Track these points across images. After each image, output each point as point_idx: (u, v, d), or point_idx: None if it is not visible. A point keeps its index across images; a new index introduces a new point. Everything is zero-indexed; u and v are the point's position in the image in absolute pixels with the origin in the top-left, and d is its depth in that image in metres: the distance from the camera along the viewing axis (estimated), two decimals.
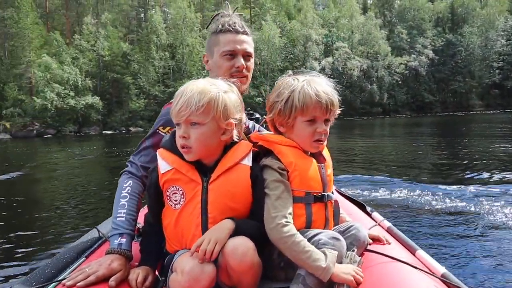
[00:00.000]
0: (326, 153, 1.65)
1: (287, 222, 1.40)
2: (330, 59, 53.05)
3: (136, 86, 43.20)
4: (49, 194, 7.48)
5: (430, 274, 1.39)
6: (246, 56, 1.91)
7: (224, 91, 1.45)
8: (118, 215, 1.63)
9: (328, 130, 1.55)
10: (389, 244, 1.68)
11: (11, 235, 4.46)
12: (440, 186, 5.77)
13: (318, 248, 1.36)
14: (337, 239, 1.41)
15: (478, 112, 56.37)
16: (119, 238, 1.57)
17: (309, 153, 1.60)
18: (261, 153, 1.58)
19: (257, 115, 2.08)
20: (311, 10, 57.50)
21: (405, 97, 62.21)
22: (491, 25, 65.09)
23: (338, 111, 1.56)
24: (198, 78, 1.55)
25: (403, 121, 39.43)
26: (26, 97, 36.64)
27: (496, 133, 16.98)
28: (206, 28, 1.91)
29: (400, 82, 61.15)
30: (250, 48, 1.92)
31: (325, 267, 1.32)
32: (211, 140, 1.45)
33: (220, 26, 1.88)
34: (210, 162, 1.49)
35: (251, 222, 1.46)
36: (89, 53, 42.46)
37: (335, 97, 1.51)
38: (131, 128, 40.40)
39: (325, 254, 1.34)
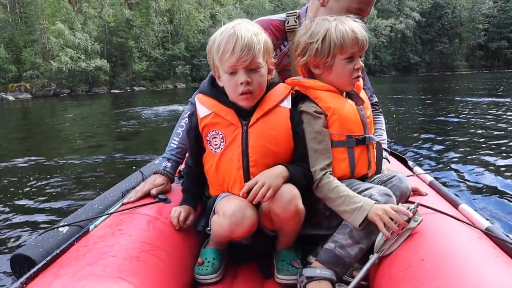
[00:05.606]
0: (363, 94, 1.59)
1: (323, 175, 1.39)
2: None
3: (138, 49, 44.47)
4: (69, 143, 7.76)
5: (473, 227, 1.32)
6: None
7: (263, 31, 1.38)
8: (172, 141, 1.77)
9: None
10: (430, 196, 1.62)
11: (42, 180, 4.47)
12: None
13: None
14: (389, 195, 1.35)
15: (463, 72, 58.30)
16: (166, 162, 1.75)
17: (345, 95, 1.53)
18: (298, 96, 1.51)
19: None
20: None
21: (390, 58, 63.51)
22: None
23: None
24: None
25: (388, 79, 41.34)
26: (42, 61, 37.87)
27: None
28: None
29: (386, 44, 62.25)
30: None
31: (360, 206, 1.29)
32: (265, 81, 1.41)
33: None
34: (249, 105, 1.42)
35: (298, 169, 1.41)
36: (96, 20, 43.28)
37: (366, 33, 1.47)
38: (135, 88, 42.29)
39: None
